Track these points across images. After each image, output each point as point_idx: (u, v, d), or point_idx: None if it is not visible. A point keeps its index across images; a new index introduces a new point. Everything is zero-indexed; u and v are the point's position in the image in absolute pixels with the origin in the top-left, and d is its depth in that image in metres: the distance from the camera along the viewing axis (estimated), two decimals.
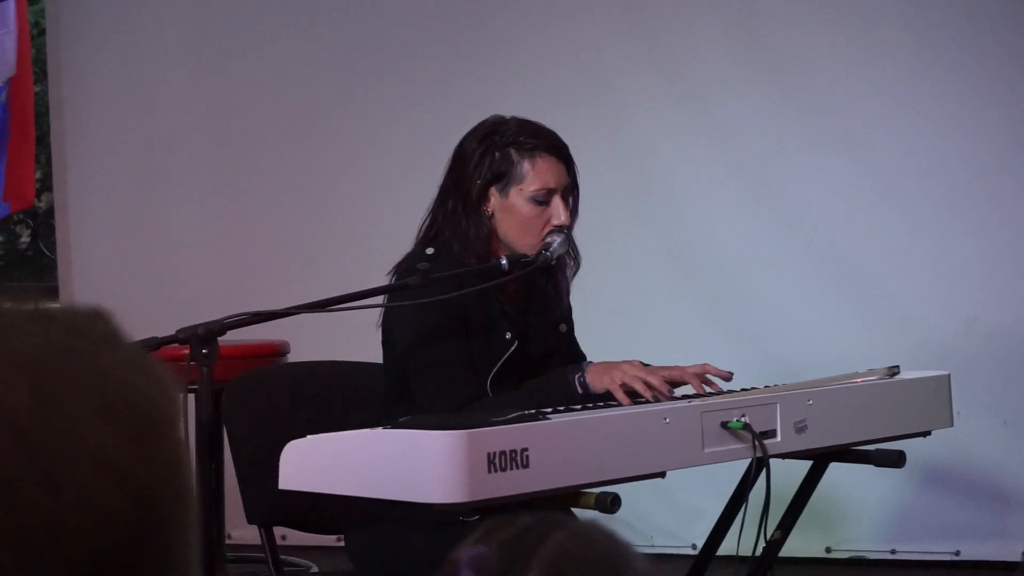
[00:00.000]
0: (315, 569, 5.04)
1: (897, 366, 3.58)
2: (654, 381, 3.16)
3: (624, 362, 3.23)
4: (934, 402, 3.59)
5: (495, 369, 3.30)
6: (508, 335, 3.33)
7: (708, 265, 5.54)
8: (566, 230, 3.34)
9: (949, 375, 3.63)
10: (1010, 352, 5.14)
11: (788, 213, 5.48)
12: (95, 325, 1.00)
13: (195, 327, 2.94)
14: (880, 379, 3.51)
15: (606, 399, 3.17)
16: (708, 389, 3.24)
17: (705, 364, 3.28)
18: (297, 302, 3.31)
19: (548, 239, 3.33)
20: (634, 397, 3.16)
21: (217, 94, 6.06)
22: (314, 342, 4.65)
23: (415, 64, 5.82)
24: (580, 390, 3.21)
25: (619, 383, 3.17)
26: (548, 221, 3.33)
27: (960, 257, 5.30)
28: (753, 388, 3.37)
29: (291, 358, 4.93)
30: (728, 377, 3.27)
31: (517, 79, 5.65)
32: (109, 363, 0.97)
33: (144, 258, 6.07)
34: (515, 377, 3.33)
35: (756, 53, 5.48)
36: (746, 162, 5.50)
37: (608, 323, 5.37)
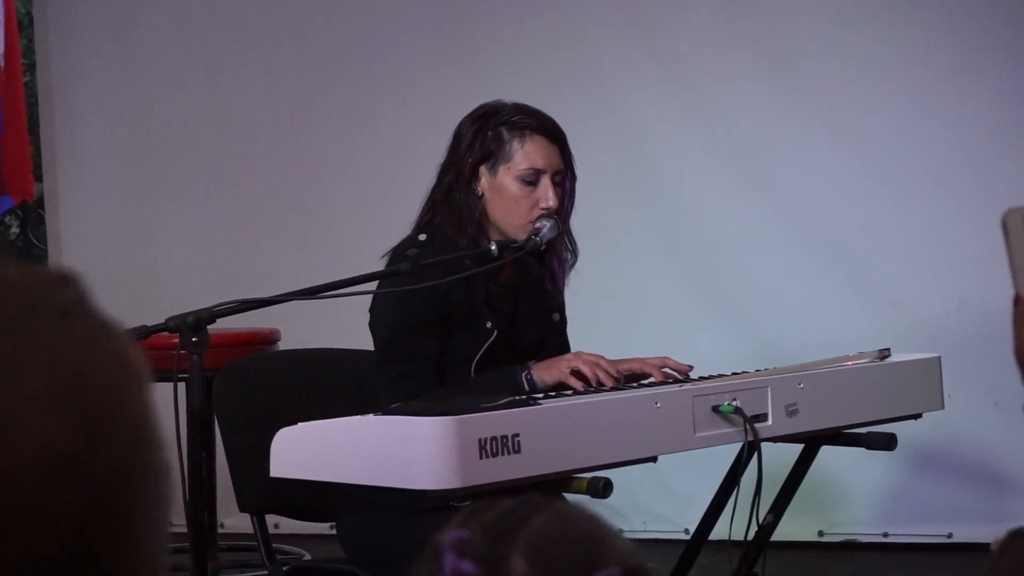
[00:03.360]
0: (308, 557, 5.04)
1: (888, 349, 3.58)
2: (603, 364, 3.18)
3: (572, 353, 3.28)
4: (925, 384, 3.59)
5: (477, 357, 3.31)
6: (488, 324, 3.33)
7: (701, 250, 5.54)
8: (556, 216, 3.34)
9: (939, 357, 3.63)
10: (1001, 334, 5.05)
11: (781, 197, 5.48)
12: (56, 295, 0.92)
13: (184, 315, 2.93)
14: (871, 362, 3.51)
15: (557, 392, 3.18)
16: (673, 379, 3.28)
17: (665, 357, 3.30)
18: (290, 290, 3.31)
19: (539, 224, 3.33)
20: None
21: (207, 83, 6.05)
22: (305, 329, 4.65)
23: (408, 51, 5.82)
24: (527, 386, 3.21)
25: (568, 371, 3.19)
26: (536, 204, 3.33)
27: (951, 239, 5.31)
28: (744, 372, 3.36)
29: (282, 346, 4.92)
30: (687, 370, 3.29)
31: (511, 64, 5.64)
32: (65, 344, 0.89)
33: (135, 247, 6.07)
34: (502, 365, 3.34)
35: (750, 39, 5.48)
36: (739, 147, 5.51)
37: (602, 308, 5.37)
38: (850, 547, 5.40)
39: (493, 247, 3.29)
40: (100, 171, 6.14)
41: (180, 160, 6.07)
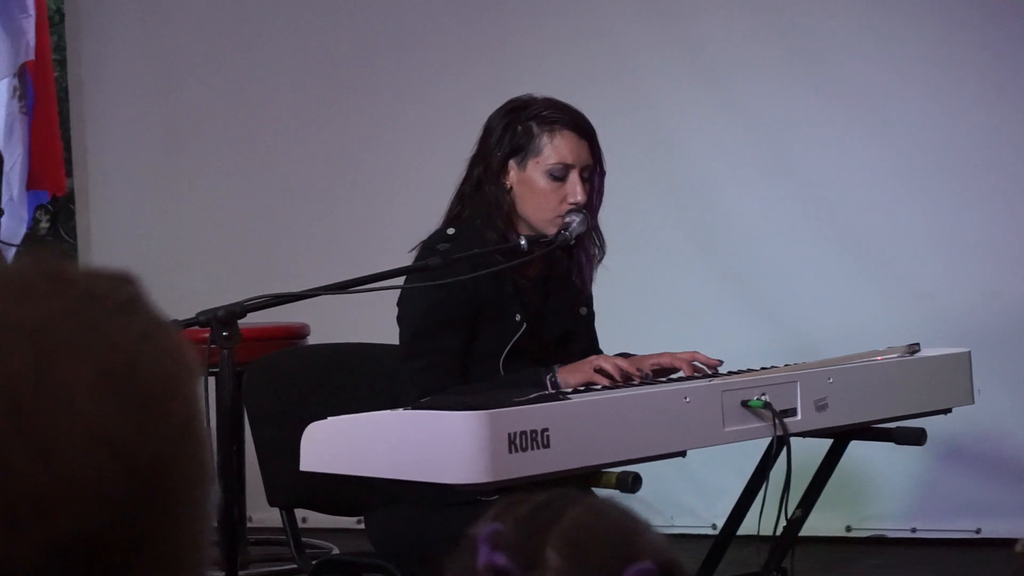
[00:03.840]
0: (336, 551, 5.05)
1: (918, 343, 3.58)
2: (625, 364, 3.20)
3: (596, 357, 3.29)
4: (955, 379, 3.58)
5: (506, 350, 3.32)
6: (518, 317, 3.34)
7: (730, 244, 5.53)
8: (585, 210, 3.35)
9: (969, 352, 3.63)
10: None
11: (809, 191, 5.47)
12: (115, 291, 0.96)
13: (215, 309, 2.94)
14: (900, 357, 3.51)
15: None
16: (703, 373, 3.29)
17: (695, 352, 3.30)
18: (317, 285, 3.32)
19: (568, 218, 3.34)
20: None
21: (235, 77, 6.06)
22: (334, 324, 4.66)
23: (435, 46, 5.82)
24: (551, 388, 3.22)
25: (593, 370, 3.20)
26: (564, 198, 3.34)
27: (981, 232, 5.29)
28: (773, 366, 3.36)
29: (311, 340, 4.94)
30: (717, 364, 3.29)
31: (538, 61, 5.64)
32: (120, 334, 0.93)
33: (165, 241, 6.08)
34: (530, 358, 3.36)
35: (778, 33, 5.47)
36: (768, 141, 5.50)
37: (631, 303, 5.37)
38: (878, 542, 5.39)
39: (523, 242, 3.31)
40: (130, 166, 6.17)
41: (209, 155, 6.09)
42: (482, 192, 3.38)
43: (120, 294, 0.96)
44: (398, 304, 3.41)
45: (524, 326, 3.34)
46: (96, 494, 0.89)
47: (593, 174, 3.40)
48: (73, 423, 0.89)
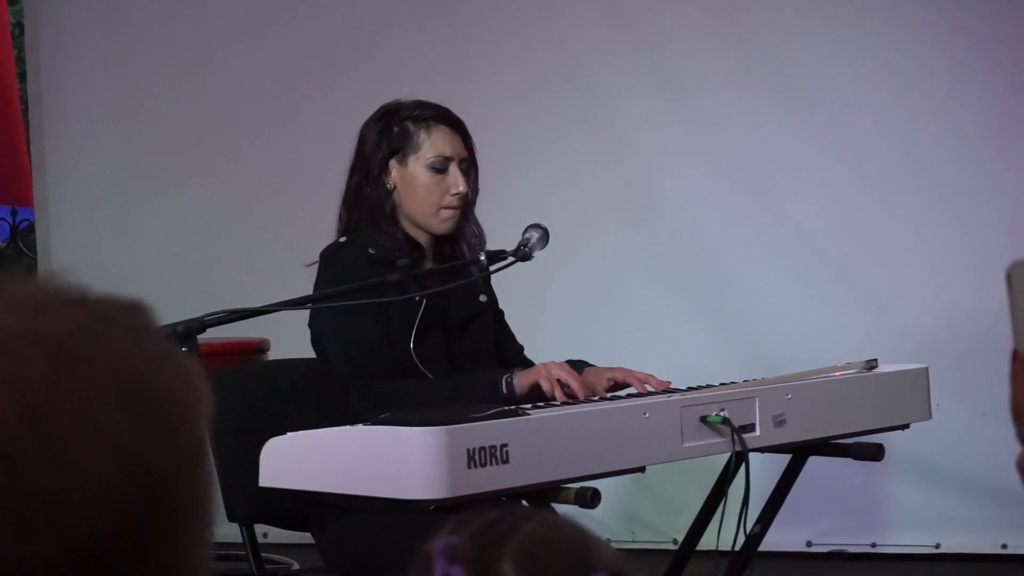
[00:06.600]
0: (296, 566, 5.04)
1: (875, 359, 3.60)
2: (573, 383, 3.23)
3: (551, 362, 3.34)
4: (912, 395, 3.60)
5: (415, 330, 3.39)
6: (417, 297, 3.41)
7: (688, 256, 5.54)
8: (542, 226, 3.42)
9: (927, 368, 3.65)
10: (988, 342, 5.13)
11: (768, 203, 5.48)
12: (128, 316, 0.99)
13: (175, 324, 2.94)
14: (858, 372, 3.53)
15: (531, 400, 3.22)
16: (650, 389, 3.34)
17: (650, 375, 3.35)
18: (281, 297, 3.34)
19: (527, 235, 3.43)
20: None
21: (196, 90, 6.05)
22: (294, 339, 4.65)
23: (394, 58, 5.82)
24: (505, 390, 3.28)
25: (542, 376, 3.25)
26: (447, 191, 3.48)
27: (939, 247, 5.31)
28: (732, 382, 3.37)
29: (271, 355, 4.93)
30: (667, 387, 3.33)
31: (497, 66, 5.64)
32: (134, 353, 0.96)
33: (125, 255, 6.06)
34: (438, 339, 3.44)
35: (736, 40, 5.48)
36: (726, 151, 5.50)
37: (587, 315, 5.38)
38: (838, 557, 5.41)
39: (482, 257, 3.39)
40: (90, 179, 6.14)
41: (171, 167, 6.07)
42: (363, 197, 3.52)
43: (133, 319, 1.00)
44: (312, 323, 3.51)
45: (424, 302, 3.41)
46: (106, 502, 0.91)
47: (470, 167, 3.55)
48: (88, 431, 0.91)
